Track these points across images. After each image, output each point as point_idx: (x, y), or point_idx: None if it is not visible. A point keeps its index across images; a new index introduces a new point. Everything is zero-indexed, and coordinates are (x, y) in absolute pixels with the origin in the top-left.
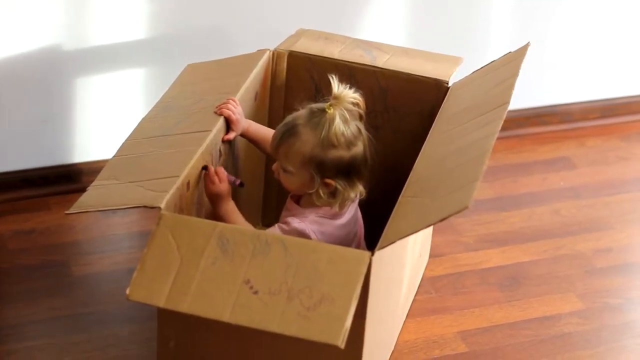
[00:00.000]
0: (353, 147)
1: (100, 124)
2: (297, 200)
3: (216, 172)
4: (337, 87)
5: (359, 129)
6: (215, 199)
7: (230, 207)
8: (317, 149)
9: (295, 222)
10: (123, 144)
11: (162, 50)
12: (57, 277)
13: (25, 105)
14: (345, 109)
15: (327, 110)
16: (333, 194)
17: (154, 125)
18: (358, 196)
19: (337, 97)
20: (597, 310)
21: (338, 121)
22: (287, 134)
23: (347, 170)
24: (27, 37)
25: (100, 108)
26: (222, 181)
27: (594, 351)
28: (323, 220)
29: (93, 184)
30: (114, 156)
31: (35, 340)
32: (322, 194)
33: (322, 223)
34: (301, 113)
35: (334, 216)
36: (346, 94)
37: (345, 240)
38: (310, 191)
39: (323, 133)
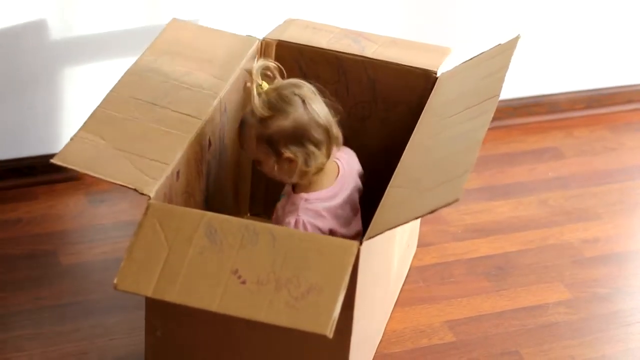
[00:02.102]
0: (289, 113)
1: (88, 113)
2: (293, 187)
3: None
4: (256, 66)
5: (292, 94)
6: None
7: None
8: (258, 127)
9: (291, 225)
10: (108, 94)
11: (152, 39)
12: (44, 267)
13: (11, 94)
14: (272, 82)
15: (247, 86)
16: (293, 167)
17: (140, 85)
18: (340, 169)
19: (249, 73)
20: (585, 299)
21: (254, 94)
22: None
23: (295, 137)
24: (13, 25)
25: (88, 97)
26: None
27: (581, 340)
28: (315, 204)
29: (78, 133)
30: (98, 107)
31: (23, 330)
32: (285, 171)
33: (314, 208)
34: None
35: (329, 198)
36: (254, 66)
37: (348, 220)
38: (281, 174)
39: (253, 109)
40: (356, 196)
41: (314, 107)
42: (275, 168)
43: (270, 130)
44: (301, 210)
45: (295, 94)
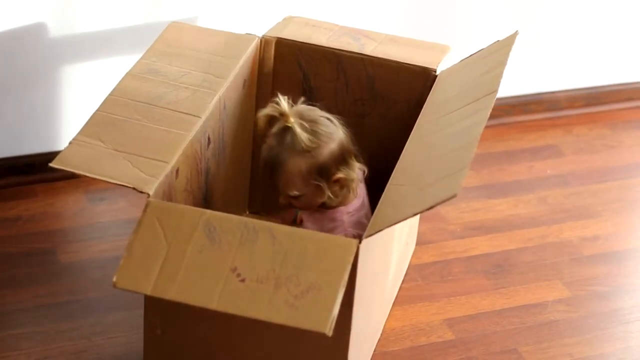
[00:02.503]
0: (334, 135)
1: (87, 111)
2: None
3: None
4: (284, 104)
5: (326, 117)
6: None
7: None
8: (309, 160)
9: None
10: (107, 97)
11: (151, 37)
12: (43, 265)
13: (11, 92)
14: (298, 113)
15: (287, 125)
16: (343, 186)
17: (140, 87)
18: (362, 172)
19: (283, 114)
20: (584, 297)
21: (300, 129)
22: (276, 169)
23: (343, 157)
24: (13, 23)
25: (88, 96)
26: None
27: (580, 339)
28: (356, 215)
29: (76, 138)
30: (97, 110)
31: (21, 328)
32: (336, 194)
33: (357, 220)
34: (270, 143)
35: (361, 206)
36: (292, 107)
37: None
38: (324, 199)
39: (302, 144)
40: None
41: (336, 121)
42: (327, 195)
43: (322, 158)
44: (347, 224)
45: (321, 116)
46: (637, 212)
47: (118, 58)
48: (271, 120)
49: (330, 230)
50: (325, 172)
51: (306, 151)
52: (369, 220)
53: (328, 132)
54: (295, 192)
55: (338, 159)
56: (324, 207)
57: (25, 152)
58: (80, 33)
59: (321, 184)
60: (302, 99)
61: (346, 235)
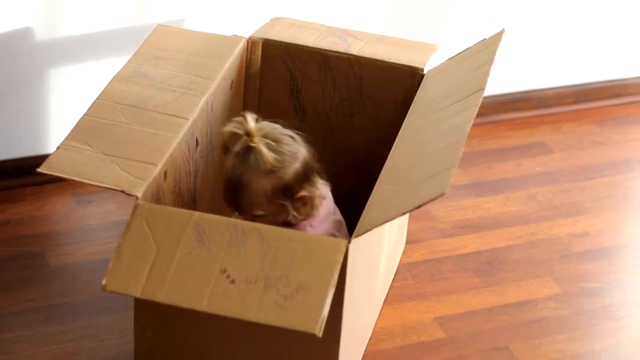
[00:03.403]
0: (298, 154)
1: (75, 114)
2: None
3: None
4: (251, 123)
5: (289, 135)
6: None
7: None
8: (274, 180)
9: None
10: (94, 102)
11: (140, 39)
12: (32, 268)
13: None
14: (263, 132)
15: (251, 145)
16: (306, 203)
17: (127, 91)
18: (325, 186)
19: (249, 133)
20: (574, 294)
21: (266, 150)
22: (240, 188)
23: (306, 175)
24: (0, 28)
25: (76, 99)
26: None
27: (571, 335)
28: (323, 229)
29: (63, 142)
30: (85, 115)
31: (11, 332)
32: (299, 211)
33: (327, 232)
34: (232, 164)
35: (328, 213)
36: (255, 125)
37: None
38: (287, 217)
39: (268, 165)
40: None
41: (299, 139)
42: (291, 213)
43: (287, 177)
44: (320, 223)
45: (285, 135)
46: (626, 208)
47: (107, 61)
48: (235, 137)
49: None
50: (289, 191)
51: (271, 171)
52: (338, 231)
53: (292, 152)
54: (260, 212)
55: (302, 177)
56: (287, 224)
57: (14, 156)
58: (68, 36)
59: (285, 203)
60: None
61: None
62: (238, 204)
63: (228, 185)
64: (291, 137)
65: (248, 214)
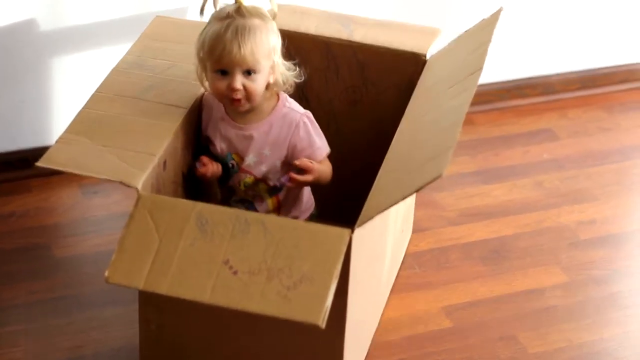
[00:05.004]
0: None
1: (79, 105)
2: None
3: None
4: None
5: None
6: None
7: None
8: (273, 33)
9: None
10: (93, 95)
11: (143, 29)
12: (38, 260)
13: (3, 87)
14: None
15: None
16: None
17: (125, 82)
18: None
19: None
20: (582, 282)
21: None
22: (245, 37)
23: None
24: (4, 18)
25: (80, 89)
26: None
27: (578, 324)
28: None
29: (62, 136)
30: (83, 107)
31: (17, 325)
32: (286, 78)
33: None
34: (224, 22)
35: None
36: None
37: None
38: (270, 82)
39: (266, 16)
40: None
41: None
42: (278, 75)
43: (278, 35)
44: (295, 105)
45: None
46: (634, 194)
47: (111, 50)
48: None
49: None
50: (279, 50)
51: (270, 23)
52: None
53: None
54: (258, 67)
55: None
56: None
57: (19, 147)
58: (72, 26)
59: (275, 63)
60: None
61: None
62: (243, 56)
63: (230, 34)
64: None
65: (241, 73)
